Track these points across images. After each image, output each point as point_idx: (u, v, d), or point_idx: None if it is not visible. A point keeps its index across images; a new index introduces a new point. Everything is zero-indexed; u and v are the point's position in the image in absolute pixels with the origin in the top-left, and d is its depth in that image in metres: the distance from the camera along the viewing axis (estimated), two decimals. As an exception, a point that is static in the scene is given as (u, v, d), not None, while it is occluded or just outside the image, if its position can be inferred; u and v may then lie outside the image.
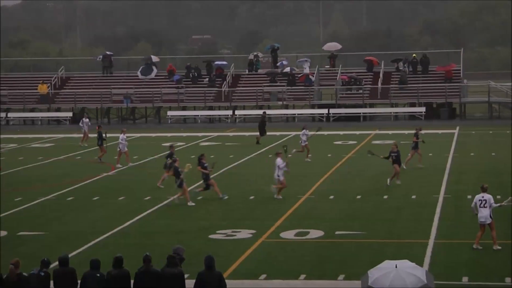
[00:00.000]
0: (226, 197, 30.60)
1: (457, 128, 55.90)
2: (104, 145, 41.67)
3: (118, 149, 39.86)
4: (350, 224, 25.95)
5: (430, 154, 41.63)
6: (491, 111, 65.37)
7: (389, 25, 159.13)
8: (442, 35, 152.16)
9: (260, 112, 58.00)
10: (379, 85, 66.12)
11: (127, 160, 40.15)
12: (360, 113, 64.59)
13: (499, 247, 22.19)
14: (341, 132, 54.17)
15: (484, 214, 22.09)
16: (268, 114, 67.28)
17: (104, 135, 41.75)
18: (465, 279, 19.70)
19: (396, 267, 14.02)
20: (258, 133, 49.10)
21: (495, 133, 52.22)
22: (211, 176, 31.06)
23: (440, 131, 53.06)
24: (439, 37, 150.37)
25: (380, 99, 65.90)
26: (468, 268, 20.68)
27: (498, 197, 26.68)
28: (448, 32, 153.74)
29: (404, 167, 36.03)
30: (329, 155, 42.89)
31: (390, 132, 54.09)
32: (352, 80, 66.88)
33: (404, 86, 65.59)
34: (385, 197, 30.58)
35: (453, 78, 65.97)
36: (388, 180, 32.57)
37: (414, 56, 68.84)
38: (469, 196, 30.02)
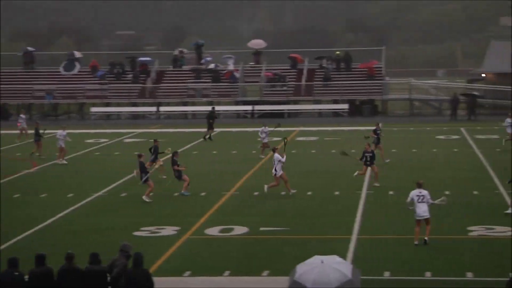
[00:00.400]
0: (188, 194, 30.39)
1: (379, 125, 56.46)
2: (41, 141, 41.22)
3: (60, 146, 39.57)
4: (275, 220, 26.08)
5: (353, 151, 42.05)
6: (412, 108, 66.45)
7: (313, 22, 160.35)
8: (364, 33, 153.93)
9: (185, 108, 57.76)
10: (303, 82, 66.60)
11: (61, 156, 39.67)
12: (284, 109, 64.96)
13: (427, 238, 22.53)
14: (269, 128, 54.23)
15: (422, 209, 22.38)
16: (193, 111, 67.20)
17: (42, 131, 41.27)
18: (387, 274, 20.00)
19: (322, 262, 14.12)
20: (206, 129, 48.82)
21: (416, 130, 53.09)
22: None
23: (362, 128, 53.66)
24: (361, 34, 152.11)
25: (304, 96, 66.39)
26: (390, 263, 21.00)
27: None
28: (370, 30, 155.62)
29: (387, 160, 36.85)
30: (253, 151, 43.03)
31: (314, 128, 54.50)
32: (277, 77, 67.22)
33: (328, 83, 66.21)
34: (309, 193, 30.82)
35: (375, 75, 66.83)
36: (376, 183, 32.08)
37: (337, 53, 69.50)
38: (390, 192, 30.49)
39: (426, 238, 22.49)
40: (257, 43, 72.81)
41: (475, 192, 30.17)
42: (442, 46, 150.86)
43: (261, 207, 28.38)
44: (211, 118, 49.00)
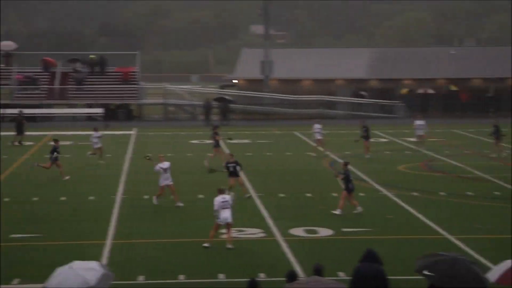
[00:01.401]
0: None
1: (135, 129, 56.65)
2: None
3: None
4: (24, 227, 25.34)
5: (109, 155, 41.83)
6: (167, 113, 67.04)
7: (66, 25, 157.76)
8: (118, 37, 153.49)
9: None
10: (57, 85, 65.33)
11: None
12: (36, 113, 63.34)
13: (232, 246, 22.72)
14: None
15: (226, 214, 22.58)
16: None
17: None
18: (141, 278, 20.04)
19: (70, 268, 13.87)
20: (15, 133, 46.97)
21: (171, 135, 53.61)
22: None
23: (118, 132, 53.47)
24: (115, 38, 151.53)
25: (58, 99, 65.11)
26: (144, 267, 21.05)
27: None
28: (124, 34, 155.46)
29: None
30: (4, 156, 41.64)
31: (68, 133, 53.57)
32: (29, 79, 65.50)
33: (82, 86, 65.35)
34: (63, 198, 30.27)
35: (130, 80, 66.81)
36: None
37: (92, 57, 68.77)
38: (146, 196, 30.56)
39: (229, 246, 22.66)
40: (7, 45, 70.47)
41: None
42: (195, 52, 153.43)
43: (11, 213, 27.48)
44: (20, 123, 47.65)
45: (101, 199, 30.26)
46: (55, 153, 34.72)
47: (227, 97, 65.86)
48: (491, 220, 26.49)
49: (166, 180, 28.70)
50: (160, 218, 26.99)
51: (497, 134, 42.42)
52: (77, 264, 14.06)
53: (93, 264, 14.18)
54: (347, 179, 27.23)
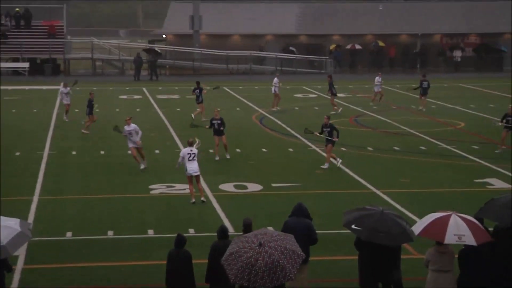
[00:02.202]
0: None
1: (62, 84, 55.72)
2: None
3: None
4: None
5: (35, 110, 41.24)
6: (94, 68, 66.20)
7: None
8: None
9: None
10: (-19, 39, 63.90)
11: None
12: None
13: (204, 199, 22.83)
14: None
15: (194, 166, 22.56)
16: None
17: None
18: (69, 234, 19.89)
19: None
20: None
21: (100, 90, 52.92)
22: None
23: (44, 87, 52.67)
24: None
25: (-18, 53, 63.71)
26: (72, 223, 20.89)
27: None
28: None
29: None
30: None
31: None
32: (-49, 33, 63.87)
33: (6, 40, 64.01)
34: (-12, 154, 29.80)
35: (57, 34, 65.66)
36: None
37: (17, 10, 67.33)
38: (73, 152, 30.24)
39: (202, 198, 22.76)
40: None
41: (157, 151, 30.76)
42: (124, 5, 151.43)
43: None
44: None
45: (28, 155, 29.83)
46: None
47: (156, 49, 65.18)
48: (417, 174, 26.92)
49: (132, 143, 27.23)
50: (88, 175, 26.75)
51: (422, 89, 43.09)
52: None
53: (12, 221, 13.85)
54: (330, 133, 27.22)
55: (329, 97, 42.52)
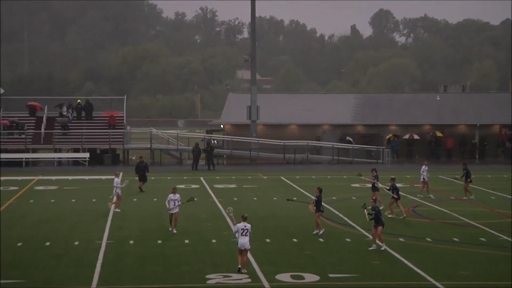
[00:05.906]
0: None
1: (121, 173, 56.40)
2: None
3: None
4: (11, 273, 25.12)
5: (94, 200, 41.69)
6: (153, 158, 66.97)
7: (51, 69, 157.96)
8: (105, 82, 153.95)
9: None
10: (42, 130, 65.28)
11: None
12: (22, 158, 63.22)
13: (246, 271, 24.68)
14: (2, 178, 52.47)
15: (245, 241, 24.76)
16: None
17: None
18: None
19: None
20: None
21: (158, 179, 53.41)
22: None
23: (103, 177, 53.31)
24: (102, 83, 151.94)
25: (44, 144, 65.01)
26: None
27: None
28: (110, 79, 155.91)
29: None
30: (-12, 201, 41.41)
31: (53, 177, 53.39)
32: (14, 124, 65.46)
33: (68, 131, 65.33)
34: (47, 243, 30.05)
35: (117, 124, 66.85)
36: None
37: (79, 101, 68.88)
38: (131, 241, 30.38)
39: (243, 270, 24.76)
40: (-6, 90, 70.51)
41: (214, 241, 30.74)
42: (182, 97, 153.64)
43: (-4, 259, 27.25)
44: None
45: (86, 245, 30.04)
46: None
47: (212, 141, 65.91)
48: (477, 266, 26.43)
49: (173, 209, 31.97)
50: (145, 263, 26.80)
51: (467, 176, 43.38)
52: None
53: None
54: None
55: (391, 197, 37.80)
